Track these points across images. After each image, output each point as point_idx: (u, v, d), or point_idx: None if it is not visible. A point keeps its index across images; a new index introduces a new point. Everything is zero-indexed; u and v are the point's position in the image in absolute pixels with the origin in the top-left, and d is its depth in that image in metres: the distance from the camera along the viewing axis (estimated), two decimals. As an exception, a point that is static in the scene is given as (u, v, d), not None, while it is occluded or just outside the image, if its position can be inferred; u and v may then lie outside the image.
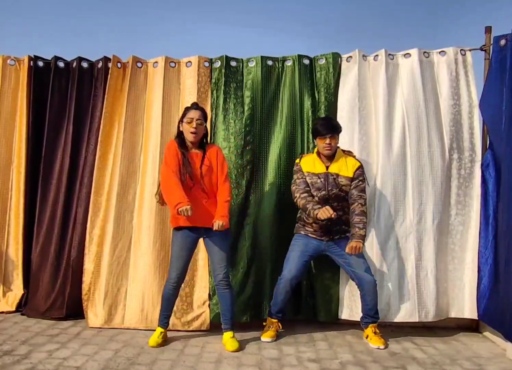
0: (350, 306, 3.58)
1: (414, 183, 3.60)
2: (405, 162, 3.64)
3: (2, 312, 3.82)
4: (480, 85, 3.64)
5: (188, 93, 3.88)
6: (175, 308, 3.38)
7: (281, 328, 3.47)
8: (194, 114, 3.19)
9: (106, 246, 3.71)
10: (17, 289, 3.96)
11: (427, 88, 3.71)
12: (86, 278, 3.72)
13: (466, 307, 3.56)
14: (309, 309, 3.66)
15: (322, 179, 3.34)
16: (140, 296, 3.62)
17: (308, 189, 3.36)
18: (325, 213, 3.13)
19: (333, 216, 3.13)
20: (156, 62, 3.95)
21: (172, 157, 3.13)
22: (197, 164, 3.18)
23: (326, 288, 3.64)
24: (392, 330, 3.58)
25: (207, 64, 3.93)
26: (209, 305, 3.61)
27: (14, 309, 3.85)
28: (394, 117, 3.71)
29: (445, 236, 3.62)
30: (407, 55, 3.78)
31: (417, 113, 3.66)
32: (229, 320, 3.21)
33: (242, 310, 3.55)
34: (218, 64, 3.91)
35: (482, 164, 3.57)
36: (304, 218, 3.44)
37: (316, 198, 3.33)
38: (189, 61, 3.93)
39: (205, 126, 3.30)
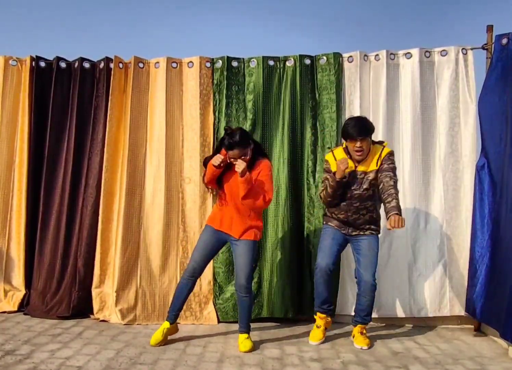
0: (351, 304, 3.60)
1: (409, 189, 3.67)
2: (399, 168, 3.66)
3: (4, 312, 3.82)
4: (480, 84, 3.62)
5: (191, 96, 3.89)
6: (184, 306, 3.38)
7: (330, 325, 3.35)
8: (234, 154, 3.02)
9: (118, 247, 3.73)
10: (19, 289, 3.96)
11: (426, 93, 3.74)
12: (96, 278, 3.75)
13: (456, 305, 3.64)
14: (310, 308, 3.65)
15: (348, 179, 3.15)
16: (151, 296, 3.70)
17: None
18: (342, 164, 3.03)
19: (348, 166, 3.03)
20: (158, 62, 3.95)
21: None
22: (237, 176, 3.04)
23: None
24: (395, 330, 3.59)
25: (208, 64, 3.93)
26: (215, 304, 3.66)
27: (16, 309, 3.85)
28: (393, 124, 3.75)
29: (440, 237, 3.67)
30: (408, 54, 3.78)
31: (414, 120, 3.71)
32: (245, 325, 3.20)
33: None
34: (219, 64, 3.91)
35: (477, 164, 3.56)
36: (327, 213, 3.38)
37: (339, 198, 3.20)
38: (191, 62, 3.94)
39: (250, 146, 3.08)
